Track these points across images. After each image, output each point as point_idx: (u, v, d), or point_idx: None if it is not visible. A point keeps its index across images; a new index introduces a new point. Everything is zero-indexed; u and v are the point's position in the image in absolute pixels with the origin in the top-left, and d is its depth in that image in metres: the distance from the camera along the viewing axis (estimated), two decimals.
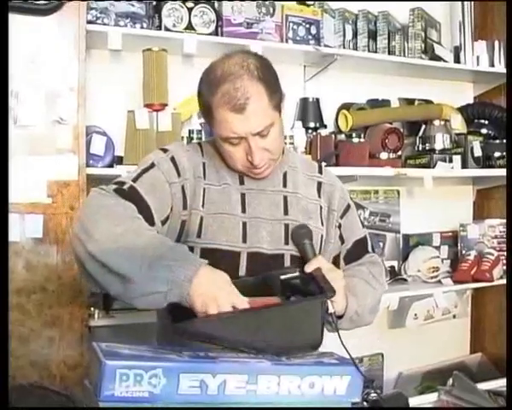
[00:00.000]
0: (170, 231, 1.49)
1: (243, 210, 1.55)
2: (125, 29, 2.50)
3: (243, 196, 1.56)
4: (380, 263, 1.74)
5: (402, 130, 3.10)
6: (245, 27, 2.72)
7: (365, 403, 1.54)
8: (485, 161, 3.18)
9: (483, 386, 1.88)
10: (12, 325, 2.13)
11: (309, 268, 1.46)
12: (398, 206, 3.31)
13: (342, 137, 2.94)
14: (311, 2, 2.91)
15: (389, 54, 3.09)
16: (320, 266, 1.46)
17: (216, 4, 2.71)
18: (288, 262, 1.56)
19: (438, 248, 3.27)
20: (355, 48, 3.05)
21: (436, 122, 3.11)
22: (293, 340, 1.32)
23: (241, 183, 1.58)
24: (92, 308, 2.43)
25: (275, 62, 1.54)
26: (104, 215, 1.36)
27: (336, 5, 3.04)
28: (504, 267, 3.16)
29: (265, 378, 1.15)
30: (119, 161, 2.45)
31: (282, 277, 1.48)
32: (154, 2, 2.60)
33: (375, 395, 1.58)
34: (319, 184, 1.67)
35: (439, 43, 3.26)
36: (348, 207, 1.70)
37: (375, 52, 3.08)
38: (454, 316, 3.34)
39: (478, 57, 3.24)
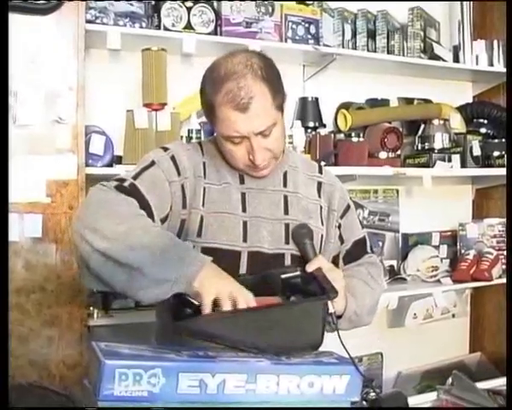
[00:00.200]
0: (169, 230, 1.49)
1: (244, 209, 1.55)
2: (124, 29, 2.50)
3: (244, 195, 1.56)
4: (378, 264, 1.74)
5: (401, 129, 3.10)
6: (244, 27, 2.72)
7: (364, 402, 1.54)
8: (485, 161, 3.18)
9: (482, 385, 1.88)
10: (11, 324, 2.13)
11: (310, 268, 1.46)
12: (398, 205, 3.31)
13: (341, 136, 2.94)
14: (310, 2, 2.91)
15: (388, 53, 3.09)
16: (321, 266, 1.46)
17: (215, 4, 2.71)
18: (288, 262, 1.55)
19: (437, 247, 3.27)
20: (354, 47, 3.05)
21: (435, 121, 3.11)
22: (293, 340, 1.32)
23: (242, 182, 1.58)
24: (91, 308, 2.43)
25: (274, 62, 1.54)
26: (108, 212, 1.36)
27: (335, 4, 3.04)
28: (503, 266, 3.16)
29: (265, 378, 1.15)
30: (118, 160, 2.45)
31: (283, 276, 1.48)
32: (153, 2, 2.60)
33: (374, 394, 1.58)
34: (319, 184, 1.68)
35: (438, 42, 3.26)
36: (348, 207, 1.70)
37: (375, 51, 3.08)
38: (453, 315, 3.34)
39: (477, 57, 3.24)
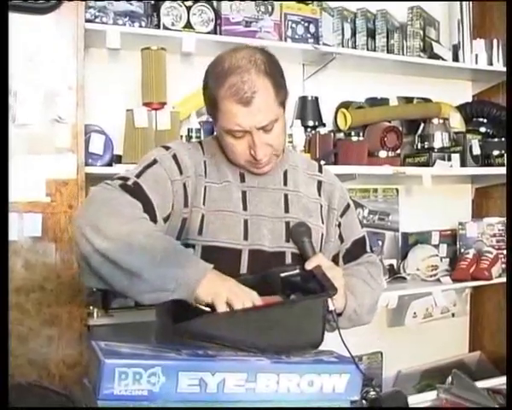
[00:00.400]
0: (170, 229, 1.49)
1: (244, 208, 1.55)
2: (124, 28, 2.49)
3: (244, 193, 1.57)
4: (378, 263, 1.74)
5: (401, 128, 3.10)
6: (244, 26, 2.72)
7: (364, 401, 1.54)
8: (484, 160, 3.18)
9: (482, 384, 1.88)
10: (11, 324, 2.13)
11: (309, 266, 1.46)
12: (397, 204, 3.31)
13: (341, 135, 2.95)
14: (310, 1, 2.91)
15: (388, 52, 3.09)
16: (320, 264, 1.46)
17: (215, 3, 2.71)
18: (289, 260, 1.56)
19: (437, 246, 3.27)
20: (354, 46, 3.05)
21: (435, 121, 3.11)
22: (294, 339, 1.32)
23: (242, 180, 1.58)
24: (91, 307, 2.43)
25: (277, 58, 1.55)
26: (112, 212, 1.36)
27: (335, 4, 3.04)
28: (503, 266, 3.17)
29: (264, 376, 1.15)
30: (117, 159, 2.45)
31: (282, 274, 1.48)
32: (153, 1, 2.60)
33: (374, 393, 1.58)
34: (319, 182, 1.68)
35: (437, 41, 3.26)
36: (348, 206, 1.71)
37: (374, 51, 3.08)
38: (453, 314, 3.34)
39: (476, 56, 3.24)
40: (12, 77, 2.13)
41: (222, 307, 1.28)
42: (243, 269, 1.51)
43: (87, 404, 1.14)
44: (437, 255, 3.21)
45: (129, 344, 1.20)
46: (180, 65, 2.72)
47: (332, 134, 2.89)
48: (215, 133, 1.61)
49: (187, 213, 1.51)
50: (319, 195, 1.66)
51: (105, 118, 2.53)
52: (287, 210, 1.59)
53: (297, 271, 1.49)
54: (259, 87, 1.44)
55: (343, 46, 3.01)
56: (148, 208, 1.42)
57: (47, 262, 2.22)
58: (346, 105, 3.04)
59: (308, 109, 2.96)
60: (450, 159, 3.04)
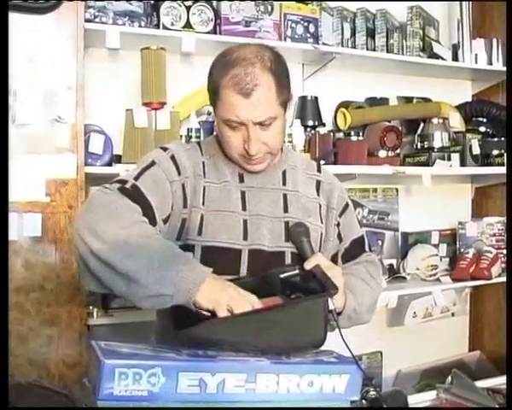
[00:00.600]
0: (171, 230, 1.49)
1: (244, 208, 1.55)
2: (123, 28, 2.49)
3: (243, 193, 1.57)
4: (377, 262, 1.74)
5: (400, 128, 3.10)
6: (243, 26, 2.72)
7: (364, 401, 1.54)
8: (484, 159, 3.18)
9: (482, 384, 1.88)
10: (11, 323, 2.13)
11: (308, 265, 1.46)
12: (397, 204, 3.31)
13: (341, 135, 2.95)
14: (309, 1, 2.91)
15: (387, 52, 3.09)
16: (319, 264, 1.46)
17: (214, 3, 2.71)
18: (288, 260, 1.56)
19: (436, 246, 3.27)
20: (353, 46, 3.05)
21: (434, 120, 3.11)
22: (296, 339, 1.32)
23: (241, 181, 1.58)
24: (91, 307, 2.43)
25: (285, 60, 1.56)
26: (111, 216, 1.36)
27: (334, 3, 3.04)
28: (503, 265, 3.17)
29: (264, 377, 1.15)
30: (117, 159, 2.45)
31: (282, 275, 1.48)
32: (152, 1, 2.60)
33: (373, 393, 1.58)
34: (318, 182, 1.68)
35: (437, 41, 3.26)
36: (347, 205, 1.71)
37: (374, 50, 3.08)
38: (453, 314, 3.34)
39: (476, 55, 3.24)
40: (12, 77, 2.13)
41: (223, 314, 1.27)
42: (243, 269, 1.51)
43: (87, 404, 1.14)
44: (437, 255, 3.21)
45: (129, 344, 1.20)
46: (180, 65, 2.72)
47: (332, 134, 2.89)
48: (215, 133, 1.61)
49: (186, 214, 1.51)
50: (318, 194, 1.66)
51: (105, 118, 2.53)
52: (286, 210, 1.59)
53: (296, 271, 1.49)
54: (262, 81, 1.45)
55: (343, 46, 3.01)
56: (147, 211, 1.41)
57: (47, 262, 2.22)
58: (345, 105, 3.05)
59: (308, 109, 2.96)
60: (449, 158, 3.04)
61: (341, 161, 2.79)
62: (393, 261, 3.23)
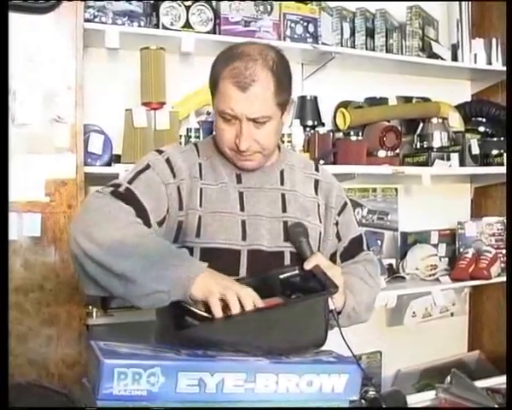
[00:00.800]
0: (167, 232, 1.49)
1: (242, 208, 1.55)
2: (123, 27, 2.49)
3: (241, 194, 1.57)
4: (375, 261, 1.75)
5: (400, 128, 3.10)
6: (243, 26, 2.72)
7: (363, 401, 1.54)
8: (483, 159, 3.18)
9: (481, 384, 1.88)
10: (10, 323, 2.13)
11: (308, 265, 1.46)
12: (396, 204, 3.31)
13: (340, 135, 2.95)
14: (309, 1, 2.91)
15: (387, 52, 3.09)
16: (319, 263, 1.46)
17: (214, 3, 2.71)
18: (288, 259, 1.56)
19: (436, 246, 3.27)
20: (353, 46, 3.04)
21: (434, 120, 3.11)
22: (297, 339, 1.32)
23: (239, 181, 1.58)
24: (90, 307, 2.43)
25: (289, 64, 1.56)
26: (104, 219, 1.36)
27: (334, 3, 3.04)
28: (502, 265, 3.17)
29: (264, 377, 1.15)
30: (116, 159, 2.45)
31: (282, 276, 1.48)
32: (152, 1, 2.60)
33: (373, 392, 1.58)
34: (316, 181, 1.68)
35: (436, 41, 3.26)
36: (345, 204, 1.71)
37: (373, 50, 3.08)
38: (452, 314, 3.34)
39: (475, 55, 3.24)
40: (11, 77, 2.13)
41: (215, 304, 1.27)
42: (243, 270, 1.51)
43: (86, 404, 1.14)
44: (436, 255, 3.21)
45: (128, 344, 1.20)
46: (179, 64, 2.72)
47: (331, 134, 2.89)
48: (214, 133, 1.61)
49: (182, 217, 1.51)
50: (316, 194, 1.66)
51: (104, 118, 2.53)
52: (284, 210, 1.59)
53: (296, 271, 1.49)
54: (260, 78, 1.45)
55: (342, 46, 3.00)
56: (142, 214, 1.42)
57: (46, 262, 2.22)
58: (345, 105, 3.05)
59: (307, 109, 2.96)
60: (449, 158, 3.04)
61: (341, 160, 2.79)
62: (393, 261, 3.23)
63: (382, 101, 3.15)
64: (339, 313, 1.48)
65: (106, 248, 1.31)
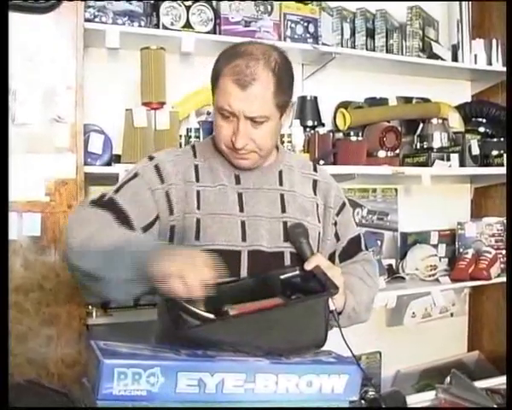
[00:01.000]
0: (160, 237, 1.51)
1: (241, 209, 1.55)
2: (123, 27, 2.49)
3: (240, 195, 1.57)
4: (373, 261, 1.76)
5: (400, 128, 3.10)
6: (243, 26, 2.72)
7: (363, 401, 1.54)
8: (483, 160, 3.18)
9: (480, 384, 1.88)
10: (10, 323, 2.13)
11: (308, 266, 1.46)
12: (396, 204, 3.31)
13: (340, 135, 2.95)
14: (309, 1, 2.91)
15: (387, 52, 3.09)
16: (319, 264, 1.46)
17: (214, 3, 2.71)
18: (288, 259, 1.56)
19: (435, 246, 3.27)
20: (353, 46, 3.05)
21: (434, 120, 3.11)
22: (298, 339, 1.32)
23: (238, 182, 1.58)
24: (90, 306, 2.43)
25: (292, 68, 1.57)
26: (77, 224, 1.42)
27: (334, 3, 3.04)
28: (502, 266, 3.17)
29: (263, 377, 1.16)
30: (116, 159, 2.45)
31: (282, 276, 1.48)
32: (152, 1, 2.60)
33: (372, 393, 1.58)
34: (315, 181, 1.68)
35: (436, 41, 3.26)
36: (344, 204, 1.71)
37: (373, 50, 3.08)
38: (452, 314, 3.34)
39: (476, 56, 3.24)
40: (11, 76, 2.13)
41: (174, 286, 1.22)
42: (243, 270, 1.51)
43: (86, 404, 1.14)
44: (436, 255, 3.21)
45: (128, 344, 1.20)
46: (179, 64, 2.72)
47: (331, 134, 2.89)
48: (214, 133, 1.61)
49: (174, 221, 1.52)
50: (315, 194, 1.66)
51: (104, 117, 2.53)
52: (283, 210, 1.59)
53: (297, 272, 1.49)
54: (261, 78, 1.45)
55: (342, 46, 3.01)
56: (122, 220, 1.44)
57: (46, 262, 2.22)
58: (345, 105, 3.05)
59: (307, 109, 2.96)
60: (449, 159, 3.04)
61: (341, 161, 2.79)
62: (392, 261, 3.22)
63: (382, 101, 3.15)
64: (339, 313, 1.48)
65: (76, 252, 1.35)
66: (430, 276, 3.14)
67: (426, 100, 3.28)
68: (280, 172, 1.63)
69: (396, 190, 3.31)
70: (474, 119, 3.34)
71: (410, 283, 3.13)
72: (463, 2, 3.27)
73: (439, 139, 3.09)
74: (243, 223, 1.54)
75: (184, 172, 1.55)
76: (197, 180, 1.55)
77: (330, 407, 1.20)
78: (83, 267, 1.34)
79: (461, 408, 1.74)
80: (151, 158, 1.58)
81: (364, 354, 3.14)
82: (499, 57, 3.25)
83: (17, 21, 2.17)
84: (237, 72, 1.45)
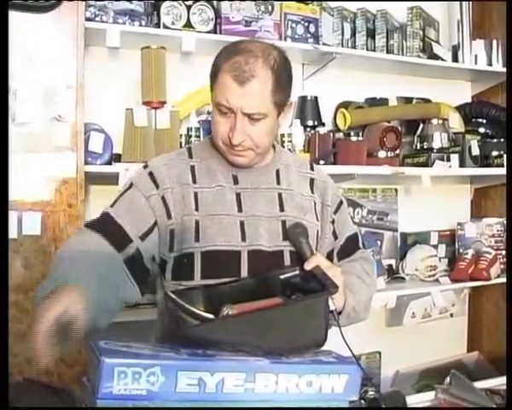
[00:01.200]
0: (162, 243, 1.52)
1: (240, 209, 1.55)
2: (124, 26, 2.49)
3: (238, 195, 1.57)
4: (371, 259, 1.76)
5: (400, 128, 3.10)
6: (243, 25, 2.72)
7: (363, 401, 1.54)
8: (483, 160, 3.18)
9: (480, 384, 1.88)
10: (10, 322, 2.12)
11: (308, 266, 1.47)
12: (396, 204, 3.31)
13: (340, 135, 2.95)
14: (310, 1, 2.91)
15: (387, 52, 3.09)
16: (319, 264, 1.46)
17: (215, 2, 2.71)
18: (287, 258, 1.56)
19: (435, 246, 3.27)
20: (353, 46, 3.05)
21: (434, 121, 3.11)
22: (298, 339, 1.32)
23: (236, 182, 1.58)
24: None
25: (291, 68, 1.57)
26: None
27: (335, 3, 3.04)
28: (502, 266, 3.17)
29: (263, 377, 1.16)
30: (117, 158, 2.45)
31: (282, 276, 1.48)
32: (153, 0, 2.60)
33: (372, 393, 1.58)
34: (312, 180, 1.68)
35: (437, 41, 3.26)
36: (341, 202, 1.71)
37: (374, 51, 3.08)
38: (451, 315, 3.35)
39: (476, 56, 3.24)
40: (12, 76, 2.13)
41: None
42: (243, 270, 1.51)
43: (86, 403, 1.14)
44: (436, 256, 3.21)
45: (128, 343, 1.20)
46: (180, 64, 2.72)
47: (331, 134, 2.89)
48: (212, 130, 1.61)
49: (173, 225, 1.52)
50: (312, 192, 1.67)
51: (104, 117, 2.54)
52: (282, 209, 1.59)
53: (296, 272, 1.49)
54: (259, 75, 1.46)
55: (343, 46, 3.01)
56: (117, 233, 1.47)
57: (46, 261, 2.22)
58: (345, 105, 3.05)
59: (307, 109, 2.96)
60: (449, 159, 3.04)
61: (341, 161, 2.80)
62: (392, 262, 3.22)
63: (383, 101, 3.15)
64: (339, 313, 1.49)
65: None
66: (430, 276, 3.14)
67: (426, 100, 3.28)
68: (277, 171, 1.64)
69: (396, 190, 3.31)
70: (474, 119, 3.34)
71: (409, 283, 3.13)
72: (464, 3, 3.27)
73: (439, 140, 3.09)
74: (242, 223, 1.54)
75: (180, 175, 1.55)
76: (194, 182, 1.56)
77: (330, 407, 1.20)
78: None
79: (460, 409, 1.74)
80: (145, 166, 1.59)
81: (364, 355, 3.14)
82: (499, 58, 3.25)
83: (17, 20, 2.17)
84: (236, 68, 1.46)
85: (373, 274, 1.72)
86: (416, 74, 3.23)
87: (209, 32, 2.66)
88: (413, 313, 3.14)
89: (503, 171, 3.01)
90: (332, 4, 3.03)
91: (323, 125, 2.99)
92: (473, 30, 3.28)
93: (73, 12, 2.26)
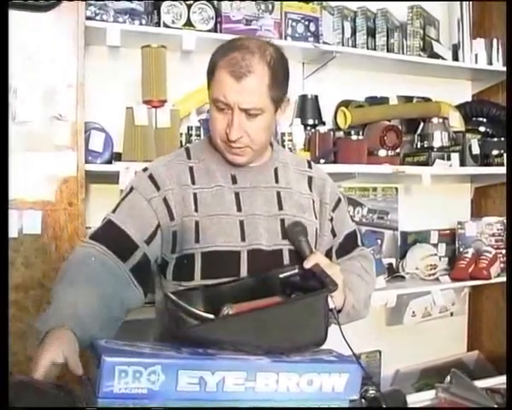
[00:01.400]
0: (164, 244, 1.52)
1: (239, 209, 1.55)
2: (124, 25, 2.49)
3: (237, 195, 1.57)
4: (370, 257, 1.76)
5: (400, 127, 3.10)
6: (244, 24, 2.72)
7: (363, 400, 1.54)
8: (483, 159, 3.18)
9: (480, 383, 1.89)
10: (10, 321, 2.12)
11: (308, 264, 1.47)
12: (397, 203, 3.31)
13: (341, 134, 2.95)
14: (310, 0, 2.90)
15: (388, 51, 3.09)
16: (318, 262, 1.46)
17: (215, 1, 2.71)
18: (286, 257, 1.56)
19: (436, 245, 3.27)
20: (354, 45, 3.05)
21: (434, 120, 3.11)
22: (298, 338, 1.32)
23: (234, 182, 1.58)
24: None
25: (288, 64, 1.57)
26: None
27: (335, 2, 3.04)
28: (502, 265, 3.17)
29: (264, 375, 1.16)
30: (117, 157, 2.45)
31: (281, 275, 1.48)
32: None
33: (373, 392, 1.58)
34: (310, 178, 1.68)
35: (437, 40, 3.26)
36: (339, 200, 1.71)
37: (374, 49, 3.08)
38: (451, 314, 3.35)
39: (476, 55, 3.24)
40: (12, 75, 2.13)
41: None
42: (243, 270, 1.51)
43: (87, 402, 1.14)
44: (436, 254, 3.21)
45: (129, 342, 1.20)
46: (180, 63, 2.72)
47: (332, 133, 2.89)
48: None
49: (175, 226, 1.52)
50: (310, 190, 1.67)
51: (105, 115, 2.53)
52: (280, 207, 1.59)
53: (296, 270, 1.49)
54: (256, 70, 1.46)
55: (343, 45, 3.00)
56: (122, 241, 1.47)
57: (46, 260, 2.22)
58: (345, 104, 3.05)
59: (308, 108, 2.96)
60: (449, 158, 3.04)
61: (341, 159, 2.79)
62: (393, 261, 3.22)
63: (383, 100, 3.15)
64: (339, 311, 1.48)
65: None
66: (430, 275, 3.14)
67: (426, 99, 3.28)
68: (275, 170, 1.64)
69: (396, 189, 3.31)
70: (474, 118, 3.34)
71: (410, 282, 3.12)
72: (464, 2, 3.27)
73: (439, 138, 3.09)
74: (242, 222, 1.54)
75: (179, 176, 1.55)
76: (193, 183, 1.55)
77: (331, 407, 1.20)
78: None
79: (460, 408, 1.75)
80: (145, 169, 1.59)
81: (364, 353, 3.14)
82: (500, 57, 3.25)
83: (18, 19, 2.17)
84: (233, 64, 1.46)
85: (372, 272, 1.72)
86: (417, 73, 3.23)
87: (209, 30, 2.66)
88: (413, 312, 3.14)
89: (503, 170, 3.01)
90: (332, 3, 3.03)
91: (324, 123, 2.99)
92: (473, 29, 3.28)
93: (73, 11, 2.26)
